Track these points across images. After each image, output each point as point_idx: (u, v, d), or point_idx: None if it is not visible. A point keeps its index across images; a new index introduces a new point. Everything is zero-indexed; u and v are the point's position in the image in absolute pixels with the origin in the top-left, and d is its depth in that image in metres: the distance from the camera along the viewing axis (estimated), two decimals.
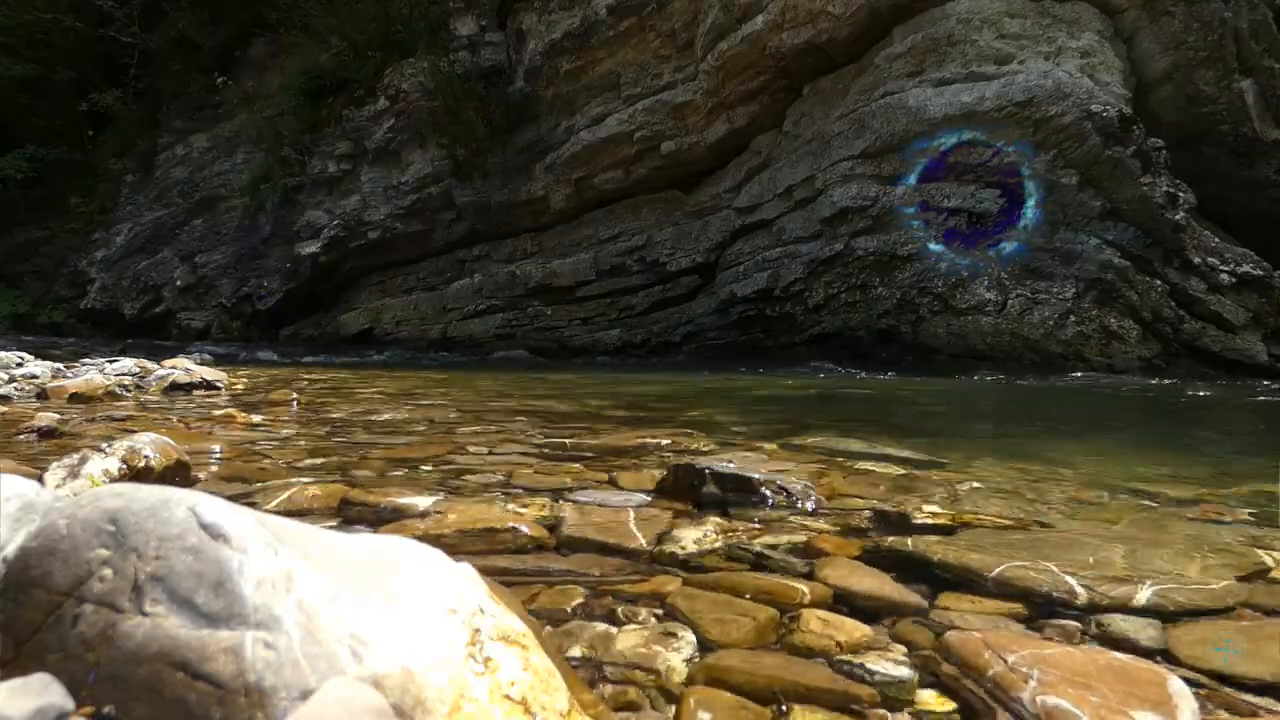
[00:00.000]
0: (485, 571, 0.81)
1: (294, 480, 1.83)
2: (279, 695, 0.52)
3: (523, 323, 11.87)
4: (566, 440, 2.64)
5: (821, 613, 1.05)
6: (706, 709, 0.81)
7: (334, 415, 3.34)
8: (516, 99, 11.54)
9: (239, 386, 4.64)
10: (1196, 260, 7.45)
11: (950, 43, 8.09)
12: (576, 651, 0.95)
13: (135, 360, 4.98)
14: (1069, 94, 7.52)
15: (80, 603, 0.56)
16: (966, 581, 1.19)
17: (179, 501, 0.62)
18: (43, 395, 3.67)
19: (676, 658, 0.93)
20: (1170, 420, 4.36)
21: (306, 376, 6.23)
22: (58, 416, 2.72)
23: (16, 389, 3.79)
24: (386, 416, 3.30)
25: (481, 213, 12.01)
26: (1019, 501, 1.77)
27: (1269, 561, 1.32)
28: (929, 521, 1.55)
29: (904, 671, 0.90)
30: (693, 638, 0.98)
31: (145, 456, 1.61)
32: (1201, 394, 5.73)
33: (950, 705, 0.84)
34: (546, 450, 2.40)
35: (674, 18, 9.87)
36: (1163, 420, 4.35)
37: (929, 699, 0.85)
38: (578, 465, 2.13)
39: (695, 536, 1.40)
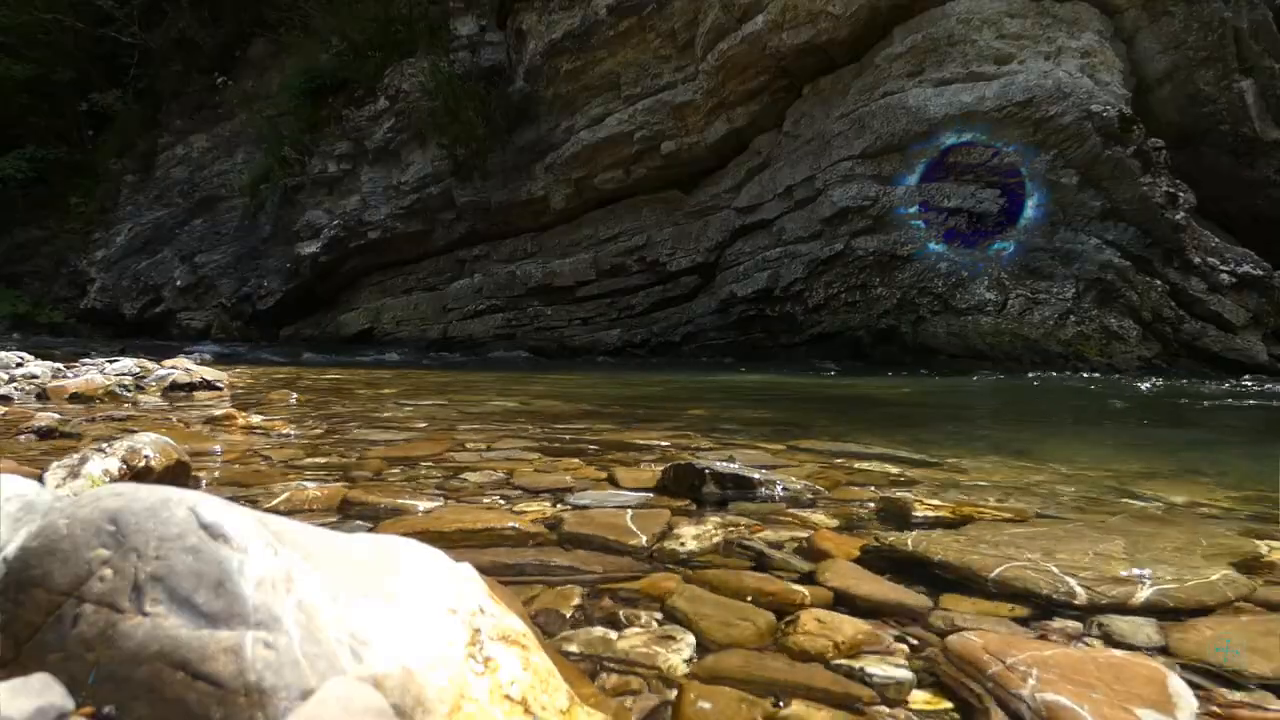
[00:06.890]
0: (485, 570, 0.81)
1: (293, 479, 1.83)
2: (279, 695, 0.52)
3: (523, 323, 11.86)
4: (566, 439, 2.64)
5: (822, 615, 1.05)
6: (707, 701, 0.81)
7: (334, 414, 3.33)
8: (516, 99, 11.53)
9: (239, 386, 4.64)
10: (1196, 260, 7.46)
11: (950, 43, 8.10)
12: (576, 651, 0.95)
13: (135, 360, 4.98)
14: (1069, 94, 7.53)
15: (80, 603, 0.56)
16: (967, 582, 1.19)
17: (179, 501, 0.62)
18: (43, 395, 3.67)
19: (676, 658, 0.93)
20: (1170, 420, 4.36)
21: (306, 376, 6.23)
22: (58, 416, 2.72)
23: (16, 389, 3.78)
24: (386, 415, 3.30)
25: (481, 213, 12.01)
26: (1019, 500, 1.77)
27: (1267, 559, 1.32)
28: (930, 521, 1.54)
29: (905, 674, 0.90)
30: (692, 639, 0.98)
31: (145, 456, 1.61)
32: (1201, 394, 5.72)
33: (951, 706, 0.84)
34: (546, 449, 2.40)
35: (674, 18, 9.87)
36: (1162, 420, 4.35)
37: (930, 702, 0.85)
38: (577, 464, 2.13)
39: (695, 536, 1.40)
